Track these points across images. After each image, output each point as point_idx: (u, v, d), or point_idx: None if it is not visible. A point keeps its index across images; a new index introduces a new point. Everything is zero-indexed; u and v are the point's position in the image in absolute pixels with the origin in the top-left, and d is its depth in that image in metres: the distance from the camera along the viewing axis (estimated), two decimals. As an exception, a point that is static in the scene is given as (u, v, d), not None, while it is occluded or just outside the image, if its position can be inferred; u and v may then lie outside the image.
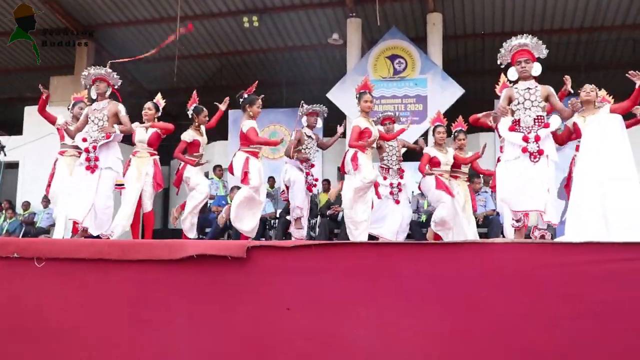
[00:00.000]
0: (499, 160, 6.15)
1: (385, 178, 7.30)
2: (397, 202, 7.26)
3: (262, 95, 6.84)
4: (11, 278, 4.11)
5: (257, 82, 6.94)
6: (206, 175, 13.33)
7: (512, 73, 5.53)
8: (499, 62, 5.74)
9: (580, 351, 3.26)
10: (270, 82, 17.32)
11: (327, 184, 11.56)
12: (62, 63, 16.29)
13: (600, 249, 3.38)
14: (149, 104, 7.18)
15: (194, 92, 7.39)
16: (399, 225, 7.29)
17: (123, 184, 6.81)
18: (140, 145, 7.03)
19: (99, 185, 6.23)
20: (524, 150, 5.21)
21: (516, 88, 5.46)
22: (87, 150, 6.21)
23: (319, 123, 7.36)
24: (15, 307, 4.09)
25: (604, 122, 4.66)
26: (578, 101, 5.97)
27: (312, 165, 7.24)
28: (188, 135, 7.15)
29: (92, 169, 6.18)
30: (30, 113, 14.90)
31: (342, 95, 12.70)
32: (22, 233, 12.40)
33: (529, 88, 5.38)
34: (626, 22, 14.13)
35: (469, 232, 7.15)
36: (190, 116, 7.21)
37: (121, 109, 6.41)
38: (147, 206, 7.02)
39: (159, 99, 7.50)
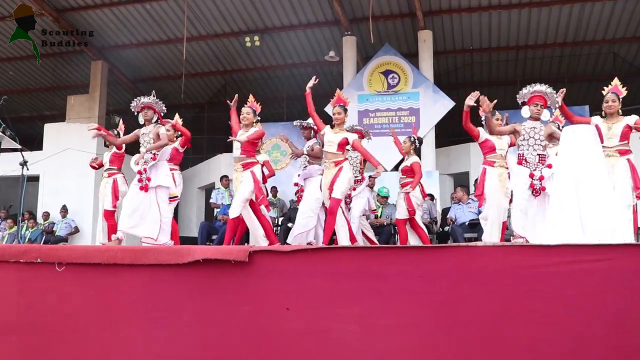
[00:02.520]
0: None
1: None
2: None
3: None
4: (35, 281, 4.25)
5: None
6: (213, 185, 13.50)
7: (525, 111, 5.87)
8: (519, 101, 6.02)
9: (555, 345, 3.35)
10: (272, 98, 17.46)
11: None
12: (78, 82, 16.45)
13: (573, 250, 3.46)
14: (167, 126, 7.36)
15: None
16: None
17: (177, 196, 7.21)
18: None
19: (158, 201, 6.58)
20: (531, 185, 5.70)
21: (523, 125, 5.85)
22: (139, 172, 6.56)
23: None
24: (40, 307, 4.22)
25: (578, 132, 4.71)
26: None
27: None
28: None
29: (144, 188, 6.51)
30: (50, 130, 15.09)
31: (339, 109, 12.72)
32: (42, 241, 12.53)
33: (534, 127, 5.80)
34: (606, 36, 14.17)
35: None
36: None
37: (161, 129, 6.74)
38: None
39: (178, 120, 7.88)
